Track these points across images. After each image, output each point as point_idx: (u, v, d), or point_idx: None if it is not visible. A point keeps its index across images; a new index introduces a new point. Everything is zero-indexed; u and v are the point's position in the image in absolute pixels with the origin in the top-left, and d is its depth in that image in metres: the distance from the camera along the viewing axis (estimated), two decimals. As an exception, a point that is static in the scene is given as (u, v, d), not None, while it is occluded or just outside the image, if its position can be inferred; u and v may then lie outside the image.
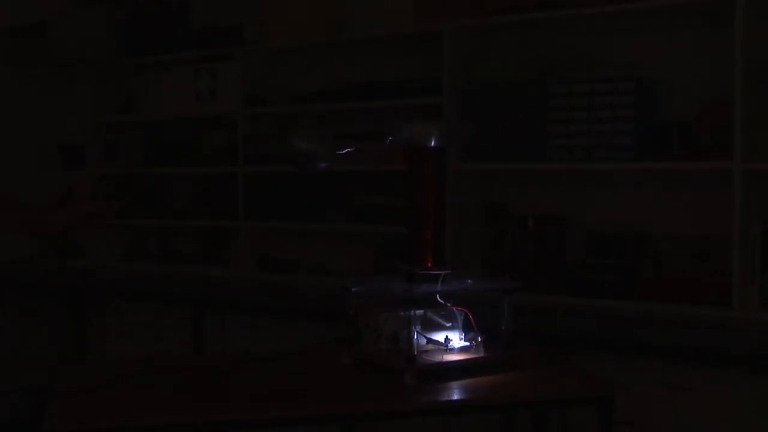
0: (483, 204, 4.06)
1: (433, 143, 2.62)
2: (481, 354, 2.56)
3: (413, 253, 2.64)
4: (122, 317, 5.04)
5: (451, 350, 2.54)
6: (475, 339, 2.56)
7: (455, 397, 2.41)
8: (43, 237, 4.37)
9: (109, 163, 5.29)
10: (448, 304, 2.58)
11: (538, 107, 3.75)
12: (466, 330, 2.59)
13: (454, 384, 2.45)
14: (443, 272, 2.58)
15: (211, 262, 4.96)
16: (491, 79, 4.00)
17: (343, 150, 2.69)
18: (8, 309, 5.24)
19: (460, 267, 2.67)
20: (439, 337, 2.54)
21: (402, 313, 2.51)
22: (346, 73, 4.53)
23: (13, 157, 5.32)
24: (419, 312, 2.52)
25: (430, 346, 2.53)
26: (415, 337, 2.47)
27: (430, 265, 2.61)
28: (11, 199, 2.84)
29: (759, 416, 2.99)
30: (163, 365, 2.66)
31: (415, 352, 2.46)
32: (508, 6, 3.82)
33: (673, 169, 3.56)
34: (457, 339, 2.56)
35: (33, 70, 5.41)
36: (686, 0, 3.44)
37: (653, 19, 3.67)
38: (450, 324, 2.59)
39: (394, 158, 4.08)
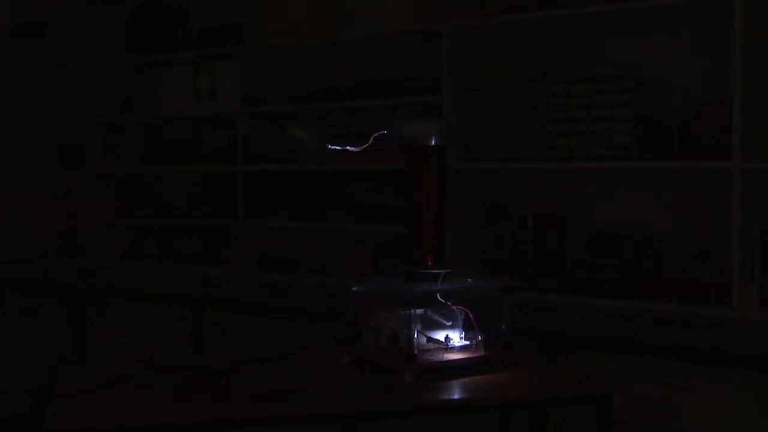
0: (483, 203, 4.06)
1: (432, 142, 2.62)
2: (481, 353, 2.56)
3: (413, 252, 2.64)
4: (122, 317, 5.04)
5: (452, 349, 2.54)
6: (475, 338, 2.57)
7: (455, 395, 2.42)
8: (44, 230, 4.39)
9: (108, 163, 5.29)
10: (449, 303, 2.58)
11: (538, 107, 3.75)
12: (467, 329, 2.59)
13: (454, 383, 2.45)
14: (443, 271, 2.58)
15: (211, 262, 4.96)
16: (491, 79, 4.00)
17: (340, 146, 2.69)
18: (8, 309, 5.24)
19: (460, 266, 2.68)
20: (440, 336, 2.54)
21: (402, 312, 2.52)
22: (346, 73, 4.53)
23: (13, 157, 5.32)
24: (419, 311, 2.52)
25: (431, 345, 2.53)
26: (416, 336, 2.47)
27: (430, 264, 2.61)
28: (11, 195, 2.86)
29: (758, 416, 2.99)
30: (163, 365, 2.66)
31: (416, 351, 2.46)
32: (508, 6, 3.82)
33: (673, 168, 3.56)
34: (457, 338, 2.56)
35: (33, 69, 5.41)
36: (686, 0, 3.44)
37: (653, 18, 3.67)
38: (450, 323, 2.59)
39: (393, 157, 4.10)
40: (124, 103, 5.27)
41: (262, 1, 4.62)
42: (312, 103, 4.50)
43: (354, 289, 2.65)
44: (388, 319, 2.58)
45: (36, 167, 5.44)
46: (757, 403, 3.00)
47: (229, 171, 4.77)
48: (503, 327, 2.59)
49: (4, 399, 4.99)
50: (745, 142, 3.27)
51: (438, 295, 2.56)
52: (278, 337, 4.14)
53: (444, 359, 2.52)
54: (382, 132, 2.64)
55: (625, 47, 3.77)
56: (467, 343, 2.57)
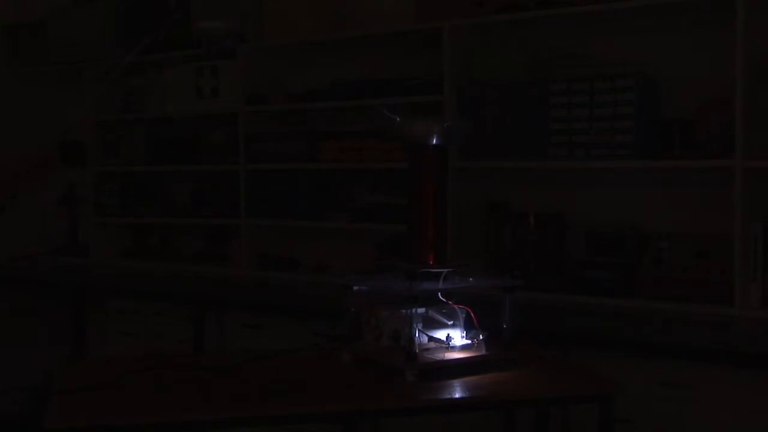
0: (484, 202, 4.06)
1: (434, 141, 2.62)
2: (483, 352, 2.56)
3: (414, 251, 2.64)
4: (122, 315, 5.04)
5: (453, 348, 2.54)
6: (477, 337, 2.57)
7: (456, 394, 2.41)
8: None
9: (110, 161, 5.29)
10: (450, 302, 2.58)
11: (539, 106, 3.75)
12: (468, 328, 2.59)
13: (456, 382, 2.45)
14: (445, 270, 2.58)
15: (212, 260, 4.96)
16: (492, 77, 4.01)
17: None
18: (8, 307, 5.24)
19: (461, 265, 2.68)
20: (441, 335, 2.55)
21: (403, 311, 2.52)
22: (347, 71, 4.53)
23: (15, 155, 5.33)
24: (421, 310, 2.52)
25: (432, 344, 2.54)
26: (417, 335, 2.47)
27: (431, 263, 2.61)
28: None
29: (760, 414, 2.99)
30: (163, 363, 2.66)
31: (417, 350, 2.46)
32: (509, 4, 3.83)
33: (674, 167, 3.56)
34: (458, 337, 2.57)
35: (34, 68, 5.42)
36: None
37: (655, 16, 3.67)
38: (452, 322, 2.59)
39: (394, 156, 4.10)
40: (125, 101, 5.28)
41: (264, 0, 4.63)
42: (313, 101, 4.51)
43: (355, 288, 2.65)
44: (390, 318, 2.58)
45: (38, 165, 5.45)
46: (758, 401, 3.00)
47: (230, 169, 4.77)
48: (504, 326, 2.60)
49: (4, 397, 5.00)
50: (746, 141, 3.27)
51: (439, 294, 2.56)
52: (278, 336, 4.14)
53: (445, 358, 2.52)
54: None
55: (627, 45, 3.77)
56: (468, 342, 2.57)
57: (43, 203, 5.46)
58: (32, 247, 5.42)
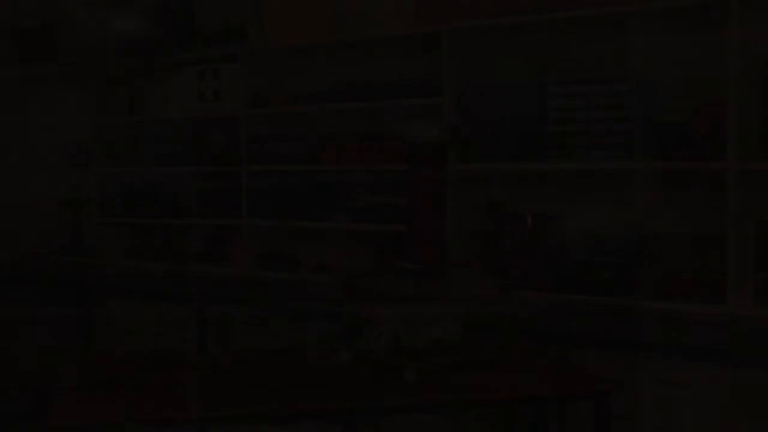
0: (484, 202, 4.08)
1: (433, 143, 2.65)
2: (481, 351, 2.58)
3: (414, 250, 2.67)
4: (126, 315, 5.06)
5: (452, 347, 2.56)
6: (476, 336, 2.59)
7: (455, 393, 2.44)
8: None
9: (113, 163, 5.32)
10: (449, 302, 2.60)
11: (538, 107, 3.77)
12: (466, 327, 2.62)
13: (454, 380, 2.48)
14: (444, 270, 2.60)
15: (214, 260, 4.99)
16: (491, 80, 4.03)
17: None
18: (13, 306, 5.26)
19: (461, 265, 2.70)
20: (440, 334, 2.57)
21: (404, 311, 2.54)
22: (348, 74, 4.55)
23: (20, 156, 5.36)
24: (420, 309, 2.54)
25: (431, 343, 2.56)
26: (416, 334, 2.49)
27: (431, 262, 2.64)
28: None
29: (754, 411, 3.01)
30: (166, 362, 2.68)
31: (416, 349, 2.48)
32: (508, 7, 3.85)
33: (670, 168, 3.59)
34: (457, 336, 2.59)
35: (40, 69, 5.44)
36: (684, 2, 3.46)
37: (651, 20, 3.69)
38: (450, 321, 2.61)
39: (395, 157, 4.12)
40: (128, 104, 5.30)
41: (265, 4, 4.65)
42: (314, 104, 4.53)
43: (355, 287, 2.68)
44: (389, 317, 2.60)
45: (43, 166, 5.49)
46: (751, 398, 3.02)
47: (232, 171, 4.80)
48: (503, 325, 2.62)
49: (6, 396, 5.02)
50: (740, 142, 3.30)
51: (439, 294, 2.58)
52: (279, 335, 4.16)
53: (444, 357, 2.54)
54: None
55: (624, 48, 3.79)
56: (467, 340, 2.59)
57: (46, 203, 5.48)
58: (35, 247, 5.44)
